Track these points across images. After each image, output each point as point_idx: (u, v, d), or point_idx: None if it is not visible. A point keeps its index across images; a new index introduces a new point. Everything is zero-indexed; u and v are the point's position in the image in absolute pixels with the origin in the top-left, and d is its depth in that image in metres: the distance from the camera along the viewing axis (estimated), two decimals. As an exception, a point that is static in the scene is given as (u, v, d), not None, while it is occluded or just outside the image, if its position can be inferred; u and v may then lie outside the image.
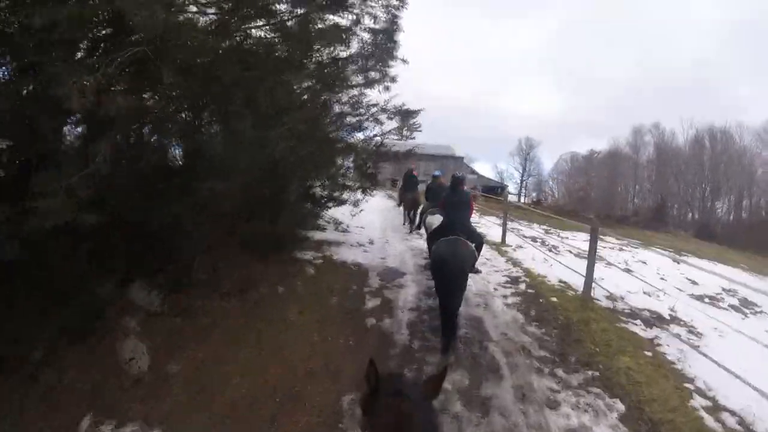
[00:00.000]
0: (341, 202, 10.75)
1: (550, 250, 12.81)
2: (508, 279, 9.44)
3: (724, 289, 10.97)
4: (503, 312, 7.50)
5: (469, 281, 6.63)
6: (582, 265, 8.99)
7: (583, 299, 8.16)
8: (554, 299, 8.22)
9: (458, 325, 6.20)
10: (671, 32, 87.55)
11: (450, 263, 5.85)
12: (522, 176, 69.58)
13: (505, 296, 8.33)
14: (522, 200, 64.27)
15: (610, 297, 8.47)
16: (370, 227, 13.65)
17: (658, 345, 6.67)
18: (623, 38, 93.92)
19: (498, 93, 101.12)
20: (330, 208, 11.32)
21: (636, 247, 16.02)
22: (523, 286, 8.95)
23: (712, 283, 10.94)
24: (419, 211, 12.60)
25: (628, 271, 11.18)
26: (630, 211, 55.00)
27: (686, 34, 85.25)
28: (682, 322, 7.84)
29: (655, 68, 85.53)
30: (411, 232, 13.71)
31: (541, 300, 8.19)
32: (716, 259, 19.76)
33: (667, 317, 8.02)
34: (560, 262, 10.32)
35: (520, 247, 12.71)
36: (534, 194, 67.90)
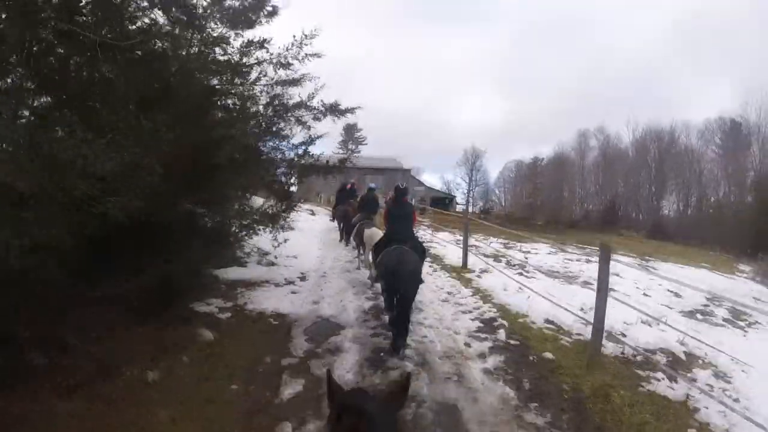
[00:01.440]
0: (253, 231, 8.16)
1: (520, 273, 10.64)
2: (481, 323, 7.15)
3: (707, 299, 10.20)
4: (485, 388, 5.09)
5: (433, 336, 6.50)
6: (560, 290, 8.50)
7: (588, 351, 5.88)
8: (549, 354, 6.01)
9: (410, 320, 6.23)
10: (613, 38, 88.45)
11: (400, 269, 5.94)
12: (469, 186, 68.31)
13: (482, 356, 5.96)
14: (470, 209, 63.01)
15: (611, 335, 6.48)
16: (304, 256, 11.20)
17: (696, 410, 5.00)
18: (566, 45, 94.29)
19: (443, 103, 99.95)
20: (246, 238, 8.76)
21: (595, 257, 14.01)
22: (502, 335, 6.66)
23: (693, 294, 9.63)
24: (352, 221, 11.73)
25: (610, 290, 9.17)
26: (579, 214, 54.49)
27: (626, 40, 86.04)
28: (700, 361, 6.56)
29: (598, 74, 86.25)
30: (341, 240, 13.31)
31: (532, 358, 5.94)
32: (678, 260, 19.15)
33: (683, 357, 6.62)
34: (538, 293, 8.09)
35: (485, 271, 10.51)
36: (481, 204, 66.73)
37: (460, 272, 10.23)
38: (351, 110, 8.26)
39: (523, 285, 8.84)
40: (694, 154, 57.02)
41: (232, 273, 8.79)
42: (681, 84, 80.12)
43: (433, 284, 9.26)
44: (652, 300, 9.72)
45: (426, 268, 10.14)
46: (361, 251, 10.36)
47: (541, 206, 54.07)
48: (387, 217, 7.21)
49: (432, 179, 68.07)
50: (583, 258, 14.14)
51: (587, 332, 6.30)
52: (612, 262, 10.51)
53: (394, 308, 6.07)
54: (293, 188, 9.60)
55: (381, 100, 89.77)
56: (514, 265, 11.81)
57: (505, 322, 7.18)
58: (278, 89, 8.10)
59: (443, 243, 14.34)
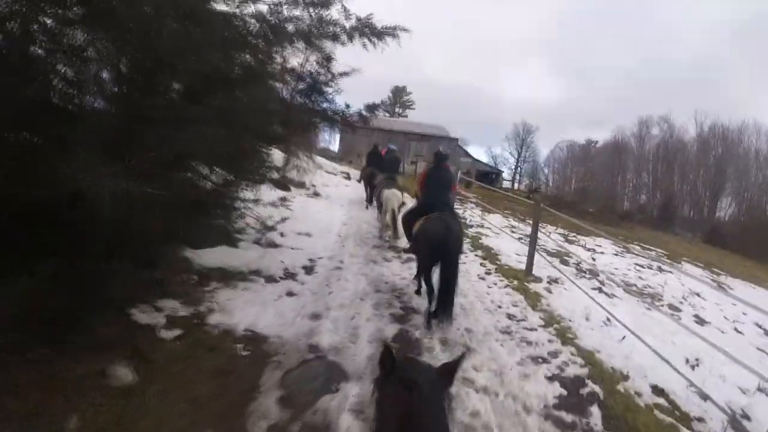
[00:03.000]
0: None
1: (599, 289, 8.02)
2: (563, 389, 4.50)
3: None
4: None
5: (489, 411, 3.94)
6: (651, 322, 6.70)
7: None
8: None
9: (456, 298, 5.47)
10: (673, 29, 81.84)
11: (448, 236, 5.41)
12: (517, 162, 64.66)
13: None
14: (515, 186, 59.77)
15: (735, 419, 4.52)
16: (320, 234, 8.74)
17: None
18: (625, 30, 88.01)
19: (495, 76, 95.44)
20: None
21: (666, 264, 11.99)
22: (597, 419, 4.10)
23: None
24: (374, 182, 11.45)
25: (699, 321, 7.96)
26: (633, 206, 50.53)
27: (688, 33, 79.62)
28: None
29: (656, 63, 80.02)
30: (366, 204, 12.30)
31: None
32: (746, 276, 17.08)
33: None
34: (634, 333, 5.51)
35: (555, 281, 7.84)
36: (527, 182, 63.22)
37: (524, 281, 7.52)
38: (390, 32, 5.54)
39: (611, 315, 6.16)
40: (760, 157, 51.94)
41: (213, 256, 6.40)
42: (749, 84, 73.45)
43: (487, 297, 6.67)
44: (744, 339, 7.95)
45: (476, 266, 7.91)
46: (381, 213, 9.56)
47: (591, 193, 50.20)
48: (424, 181, 6.40)
49: (478, 152, 64.37)
50: (654, 265, 12.35)
51: (705, 411, 4.60)
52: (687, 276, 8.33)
53: (432, 285, 5.51)
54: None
55: (432, 68, 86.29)
56: (585, 272, 9.19)
57: (597, 389, 4.57)
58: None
59: (495, 230, 11.54)
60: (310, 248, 7.72)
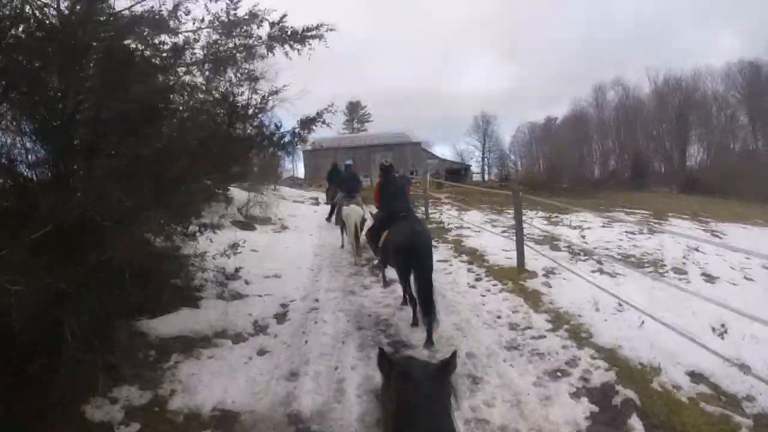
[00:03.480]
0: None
1: (599, 270, 7.38)
2: (593, 404, 3.87)
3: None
4: None
5: None
6: (662, 294, 5.85)
7: None
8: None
9: (435, 298, 5.27)
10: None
11: (418, 241, 5.41)
12: (483, 153, 64.36)
13: None
14: (485, 178, 59.40)
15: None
16: (291, 272, 7.99)
17: None
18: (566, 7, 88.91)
19: (447, 73, 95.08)
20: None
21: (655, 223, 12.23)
22: (638, 428, 3.55)
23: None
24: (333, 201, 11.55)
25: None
26: (605, 174, 50.54)
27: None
28: None
29: (606, 27, 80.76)
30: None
31: None
32: (734, 218, 16.03)
33: None
34: (651, 316, 4.82)
35: (552, 273, 7.13)
36: (496, 170, 63.01)
37: (518, 279, 6.80)
38: (311, 33, 4.90)
39: (621, 299, 5.50)
40: (718, 100, 52.32)
41: (172, 322, 5.59)
42: (697, 33, 74.34)
43: (483, 309, 5.95)
44: (758, 285, 7.57)
45: (463, 272, 7.55)
46: (344, 232, 9.35)
47: (561, 167, 50.10)
48: (378, 195, 6.69)
49: (444, 150, 63.90)
50: (645, 229, 11.34)
51: (752, 387, 4.05)
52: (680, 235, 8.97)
53: (413, 292, 5.50)
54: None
55: (383, 76, 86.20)
56: (579, 253, 8.53)
57: (631, 394, 3.92)
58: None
59: (476, 227, 10.83)
60: (280, 291, 6.92)
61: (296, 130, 5.68)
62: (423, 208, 13.70)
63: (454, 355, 1.67)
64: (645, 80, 56.97)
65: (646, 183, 40.97)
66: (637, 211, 18.19)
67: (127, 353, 4.76)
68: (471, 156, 63.28)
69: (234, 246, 6.80)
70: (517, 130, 65.57)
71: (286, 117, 6.34)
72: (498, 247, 8.63)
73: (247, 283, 7.17)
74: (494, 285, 6.70)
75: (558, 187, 35.24)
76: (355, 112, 62.33)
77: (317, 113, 5.58)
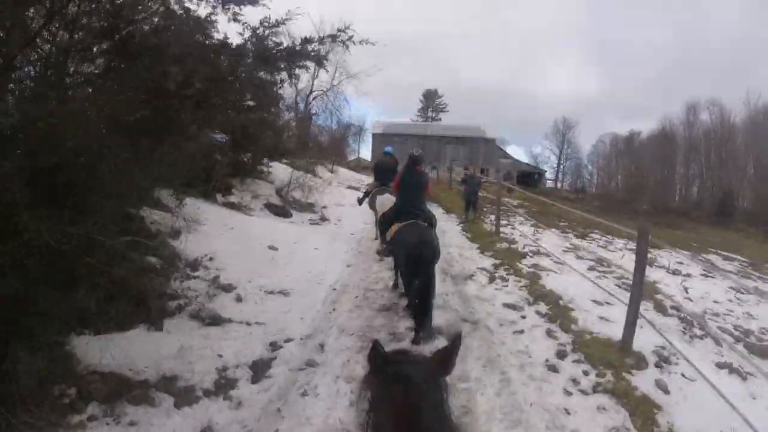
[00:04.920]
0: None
1: (728, 368, 4.98)
2: None
3: None
4: None
5: None
6: None
7: None
8: None
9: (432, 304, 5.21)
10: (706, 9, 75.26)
11: (424, 251, 5.17)
12: (559, 160, 60.16)
13: None
14: (559, 186, 55.60)
15: None
16: (303, 288, 6.05)
17: None
18: (659, 10, 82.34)
19: (530, 74, 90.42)
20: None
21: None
22: None
23: None
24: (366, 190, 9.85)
25: None
26: (688, 201, 45.66)
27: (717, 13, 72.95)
28: None
29: (694, 45, 73.99)
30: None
31: None
32: None
33: None
34: None
35: (667, 362, 4.78)
36: (570, 180, 59.00)
37: (621, 368, 4.34)
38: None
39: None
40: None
41: (118, 346, 3.93)
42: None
43: (564, 422, 3.61)
44: None
45: (540, 338, 5.20)
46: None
47: (642, 188, 45.64)
48: (398, 185, 6.21)
49: (518, 153, 60.34)
50: (752, 289, 9.14)
51: None
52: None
53: (413, 292, 5.29)
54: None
55: (466, 69, 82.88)
56: (692, 324, 6.05)
57: None
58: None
59: (555, 257, 8.33)
60: (278, 321, 4.89)
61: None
62: (493, 217, 11.41)
63: (456, 340, 1.37)
64: (743, 104, 50.81)
65: (732, 220, 36.52)
66: (732, 255, 15.46)
67: (44, 385, 3.30)
68: (546, 161, 59.40)
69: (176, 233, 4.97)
70: (597, 140, 60.82)
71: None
72: (586, 297, 6.21)
73: (239, 300, 5.21)
74: (585, 374, 4.29)
75: (636, 209, 31.92)
76: (431, 100, 59.71)
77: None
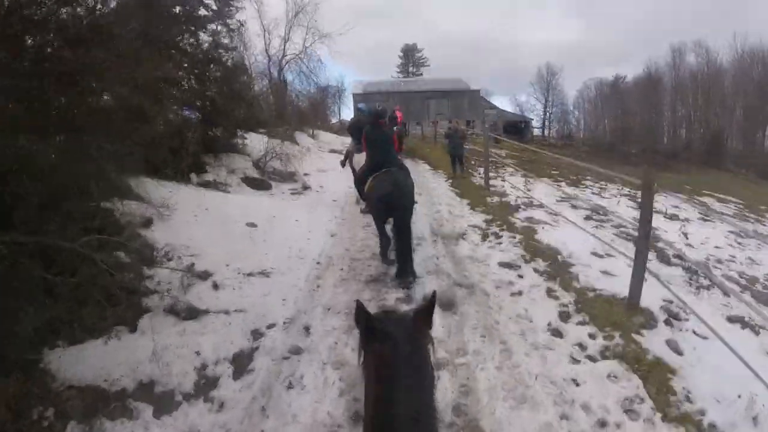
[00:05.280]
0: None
1: (741, 322, 4.79)
2: None
3: None
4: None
5: None
6: None
7: None
8: None
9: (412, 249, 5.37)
10: None
11: (394, 192, 5.24)
12: (545, 107, 59.34)
13: None
14: (545, 134, 55.08)
15: None
16: (285, 266, 5.67)
17: None
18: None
19: (512, 21, 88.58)
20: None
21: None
22: None
23: None
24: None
25: None
26: (677, 144, 45.30)
27: None
28: None
29: None
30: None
31: None
32: None
33: None
34: None
35: (677, 319, 4.51)
36: (557, 127, 58.40)
37: (629, 329, 4.01)
38: None
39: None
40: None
41: (89, 357, 3.59)
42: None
43: (573, 395, 3.34)
44: None
45: (540, 299, 4.89)
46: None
47: (630, 131, 45.21)
48: (365, 142, 6.12)
49: (503, 102, 59.14)
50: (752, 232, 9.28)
51: None
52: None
53: (389, 238, 5.53)
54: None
55: (444, 20, 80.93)
56: (697, 273, 5.74)
57: None
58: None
59: (550, 209, 7.97)
60: (259, 305, 4.51)
61: None
62: (482, 170, 11.04)
63: (433, 297, 1.44)
64: (730, 46, 50.07)
65: (723, 161, 36.43)
66: (726, 198, 15.34)
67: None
68: (532, 109, 58.53)
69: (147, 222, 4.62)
70: (582, 85, 59.98)
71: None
72: (586, 250, 5.90)
73: (216, 287, 4.82)
74: (591, 337, 3.97)
75: (627, 153, 31.67)
76: (410, 56, 58.59)
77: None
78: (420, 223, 7.14)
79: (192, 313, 4.29)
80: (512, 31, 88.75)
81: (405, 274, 5.09)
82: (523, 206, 8.29)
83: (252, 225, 6.64)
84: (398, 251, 5.18)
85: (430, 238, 6.61)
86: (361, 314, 1.38)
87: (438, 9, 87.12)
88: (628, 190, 11.21)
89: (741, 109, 48.54)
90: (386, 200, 5.23)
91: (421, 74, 55.08)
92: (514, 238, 6.49)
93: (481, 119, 40.20)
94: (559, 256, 5.66)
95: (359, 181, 6.25)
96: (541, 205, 8.13)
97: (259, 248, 5.87)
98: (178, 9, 8.62)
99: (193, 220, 6.27)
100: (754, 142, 46.50)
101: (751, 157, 40.36)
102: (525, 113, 54.09)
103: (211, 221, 6.37)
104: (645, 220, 4.27)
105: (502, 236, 6.62)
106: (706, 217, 9.74)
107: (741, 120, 48.32)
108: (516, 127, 42.57)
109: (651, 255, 5.83)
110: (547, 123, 59.15)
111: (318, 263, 5.65)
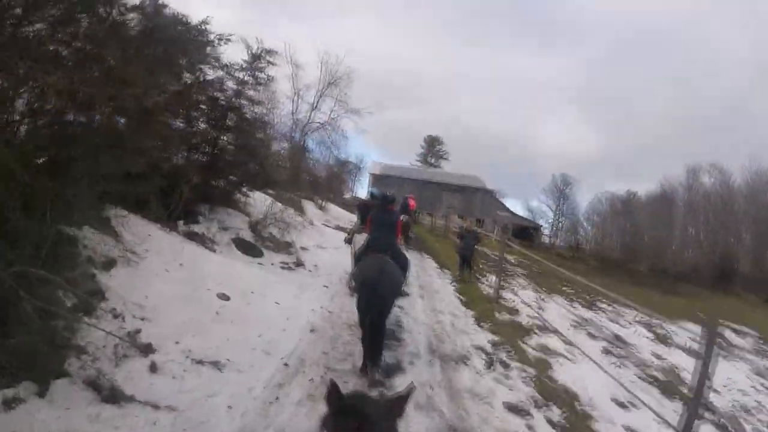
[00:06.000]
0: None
1: None
2: None
3: None
4: None
5: None
6: None
7: None
8: None
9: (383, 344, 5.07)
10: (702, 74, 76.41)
11: (377, 281, 4.90)
12: (555, 214, 59.35)
13: None
14: (552, 241, 54.62)
15: None
16: (246, 360, 4.76)
17: None
18: (660, 78, 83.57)
19: (528, 126, 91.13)
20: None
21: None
22: None
23: None
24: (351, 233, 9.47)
25: None
26: (686, 264, 44.28)
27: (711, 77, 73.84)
28: None
29: (694, 109, 74.76)
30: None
31: None
32: None
33: None
34: None
35: None
36: (565, 236, 57.95)
37: None
38: None
39: None
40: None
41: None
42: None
43: None
44: None
45: None
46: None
47: (640, 249, 44.54)
48: (369, 222, 6.16)
49: (514, 205, 59.55)
50: None
51: None
52: None
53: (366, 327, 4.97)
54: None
55: (466, 119, 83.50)
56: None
57: None
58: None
59: (563, 336, 6.97)
60: (196, 407, 3.51)
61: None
62: (490, 277, 10.18)
63: (410, 389, 1.49)
64: (743, 168, 50.28)
65: (732, 285, 35.40)
66: (743, 329, 14.31)
67: None
68: (542, 216, 58.49)
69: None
70: (595, 197, 60.17)
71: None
72: (607, 396, 4.89)
73: (153, 369, 3.87)
74: None
75: (634, 270, 30.85)
76: (432, 146, 60.22)
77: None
78: (418, 333, 6.21)
79: (114, 396, 3.34)
80: (531, 138, 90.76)
81: (372, 365, 4.72)
82: (536, 329, 7.31)
83: (224, 297, 5.73)
84: (366, 344, 4.84)
85: (426, 356, 5.54)
86: (332, 395, 1.40)
87: (465, 106, 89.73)
88: (641, 317, 10.35)
89: (751, 231, 47.85)
90: (369, 285, 4.89)
91: (440, 166, 55.95)
92: (525, 370, 5.52)
93: (491, 219, 40.00)
94: (576, 403, 4.65)
95: (355, 259, 6.13)
96: (555, 331, 7.12)
97: (223, 328, 4.92)
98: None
99: (162, 275, 5.43)
100: (764, 263, 45.37)
101: (762, 281, 39.22)
102: (535, 218, 54.04)
103: (180, 281, 5.51)
104: (702, 379, 3.32)
105: (510, 366, 5.66)
106: (726, 356, 8.75)
107: (751, 243, 47.49)
108: (526, 232, 42.09)
109: (677, 404, 4.86)
110: (557, 231, 58.92)
111: (286, 364, 4.59)
